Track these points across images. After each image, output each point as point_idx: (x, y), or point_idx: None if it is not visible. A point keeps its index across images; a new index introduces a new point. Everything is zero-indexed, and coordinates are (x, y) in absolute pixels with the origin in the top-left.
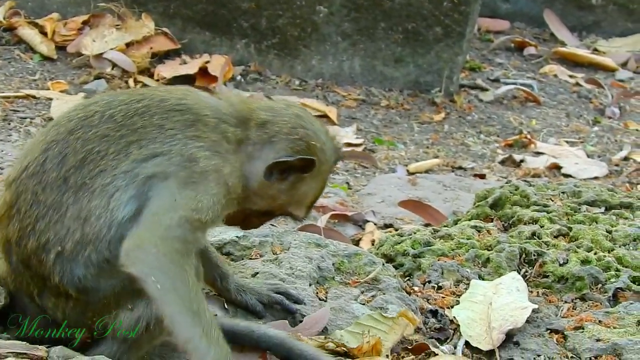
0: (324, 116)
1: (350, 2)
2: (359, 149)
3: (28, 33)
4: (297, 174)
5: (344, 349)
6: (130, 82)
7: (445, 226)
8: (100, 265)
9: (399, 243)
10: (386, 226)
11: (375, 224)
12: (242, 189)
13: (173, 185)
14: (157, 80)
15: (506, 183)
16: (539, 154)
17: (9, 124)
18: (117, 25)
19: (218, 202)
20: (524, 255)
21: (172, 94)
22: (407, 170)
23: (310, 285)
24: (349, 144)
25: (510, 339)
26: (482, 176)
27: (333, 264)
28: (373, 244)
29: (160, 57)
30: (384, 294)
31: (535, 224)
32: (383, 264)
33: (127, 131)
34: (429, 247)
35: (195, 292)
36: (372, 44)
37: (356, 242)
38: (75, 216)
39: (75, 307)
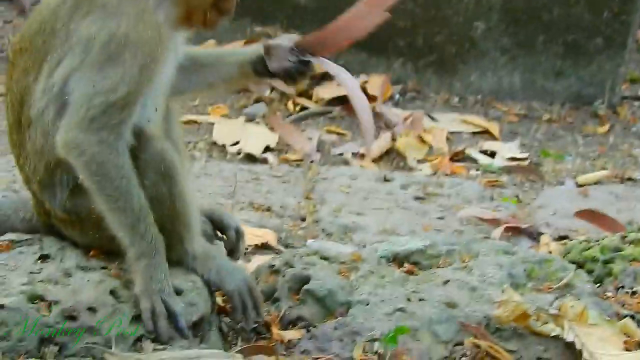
0: (486, 132)
1: (509, 16)
2: (524, 164)
3: None
4: None
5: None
6: (290, 104)
7: (631, 232)
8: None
9: (587, 249)
10: (561, 238)
11: (550, 236)
12: (171, 16)
13: (85, 72)
14: (316, 102)
15: None
16: None
17: None
18: None
19: (135, 70)
20: None
21: None
22: (576, 183)
23: (502, 292)
24: (513, 159)
25: None
26: None
27: (524, 270)
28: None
29: (318, 79)
30: (579, 299)
31: None
32: (575, 270)
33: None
34: (619, 253)
35: (124, 185)
36: (531, 58)
37: None
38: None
39: (77, 229)
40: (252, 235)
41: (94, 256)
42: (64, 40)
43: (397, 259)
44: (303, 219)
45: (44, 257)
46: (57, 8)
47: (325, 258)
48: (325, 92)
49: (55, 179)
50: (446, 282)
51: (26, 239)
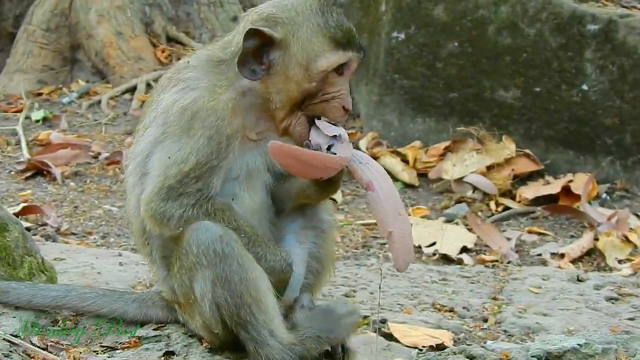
0: None
1: None
2: None
3: (389, 162)
4: (275, 50)
5: None
6: (492, 204)
7: None
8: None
9: None
10: None
11: None
12: (245, 101)
13: (166, 144)
14: (519, 202)
15: None
16: None
17: (369, 250)
18: (478, 149)
19: (203, 141)
20: None
21: None
22: None
23: None
24: None
25: None
26: None
27: None
28: None
29: (522, 179)
30: None
31: None
32: None
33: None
34: None
35: (227, 230)
36: None
37: None
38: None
39: (186, 313)
40: (428, 337)
41: (210, 348)
42: (153, 109)
43: (550, 359)
44: (485, 320)
45: (168, 354)
46: (161, 80)
47: (471, 357)
48: (529, 191)
49: (147, 249)
50: None
51: (154, 336)
